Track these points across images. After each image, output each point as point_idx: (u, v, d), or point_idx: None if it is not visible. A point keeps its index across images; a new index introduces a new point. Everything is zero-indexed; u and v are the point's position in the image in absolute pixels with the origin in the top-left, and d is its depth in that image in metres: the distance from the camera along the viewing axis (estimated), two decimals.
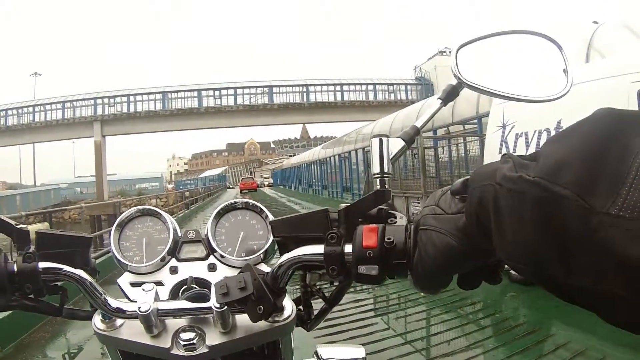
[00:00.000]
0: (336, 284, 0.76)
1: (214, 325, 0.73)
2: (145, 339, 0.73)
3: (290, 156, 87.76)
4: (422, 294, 5.77)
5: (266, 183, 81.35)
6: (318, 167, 35.47)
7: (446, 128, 15.07)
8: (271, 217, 0.86)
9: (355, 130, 26.23)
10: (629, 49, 7.53)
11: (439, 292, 0.62)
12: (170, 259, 0.84)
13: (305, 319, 0.81)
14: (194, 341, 0.71)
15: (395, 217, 0.66)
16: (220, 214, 0.88)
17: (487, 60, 0.81)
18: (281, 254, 0.69)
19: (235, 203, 0.89)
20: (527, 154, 0.49)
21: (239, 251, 0.84)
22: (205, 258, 0.84)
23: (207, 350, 0.72)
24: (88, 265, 0.76)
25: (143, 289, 0.72)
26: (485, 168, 0.53)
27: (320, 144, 46.15)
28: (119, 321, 0.75)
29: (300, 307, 0.80)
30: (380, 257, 0.61)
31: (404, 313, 5.49)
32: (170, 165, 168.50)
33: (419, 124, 0.77)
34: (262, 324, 0.72)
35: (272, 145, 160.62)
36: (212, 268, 0.83)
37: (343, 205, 0.66)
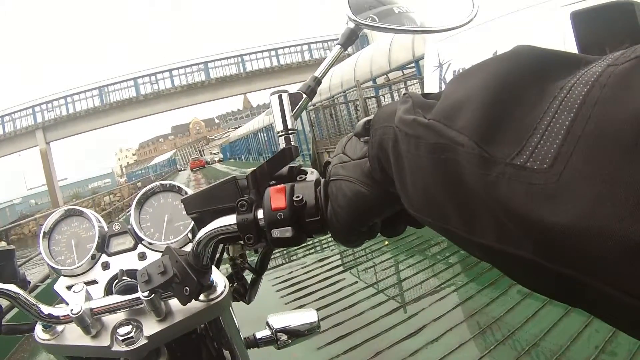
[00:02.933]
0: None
1: (149, 314, 0.71)
2: (85, 341, 0.71)
3: (235, 128, 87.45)
4: (386, 242, 5.89)
5: (216, 159, 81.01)
6: (265, 135, 35.52)
7: (385, 76, 15.16)
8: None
9: None
10: None
11: (363, 243, 0.60)
12: (100, 255, 0.83)
13: (242, 293, 0.82)
14: (132, 334, 0.70)
15: (306, 174, 0.64)
16: (141, 201, 0.87)
17: None
18: (199, 230, 0.66)
19: (154, 187, 0.88)
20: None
21: (167, 235, 0.84)
22: (134, 248, 0.84)
23: (146, 341, 0.71)
24: (17, 278, 0.75)
25: (73, 291, 0.71)
26: (388, 108, 0.49)
27: (263, 111, 46.22)
28: (59, 328, 0.73)
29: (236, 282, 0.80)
30: (292, 218, 0.58)
31: (371, 264, 5.50)
32: (119, 159, 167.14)
33: (317, 73, 0.74)
34: (197, 305, 0.72)
35: (217, 121, 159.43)
36: (142, 257, 0.83)
37: (250, 170, 0.63)
